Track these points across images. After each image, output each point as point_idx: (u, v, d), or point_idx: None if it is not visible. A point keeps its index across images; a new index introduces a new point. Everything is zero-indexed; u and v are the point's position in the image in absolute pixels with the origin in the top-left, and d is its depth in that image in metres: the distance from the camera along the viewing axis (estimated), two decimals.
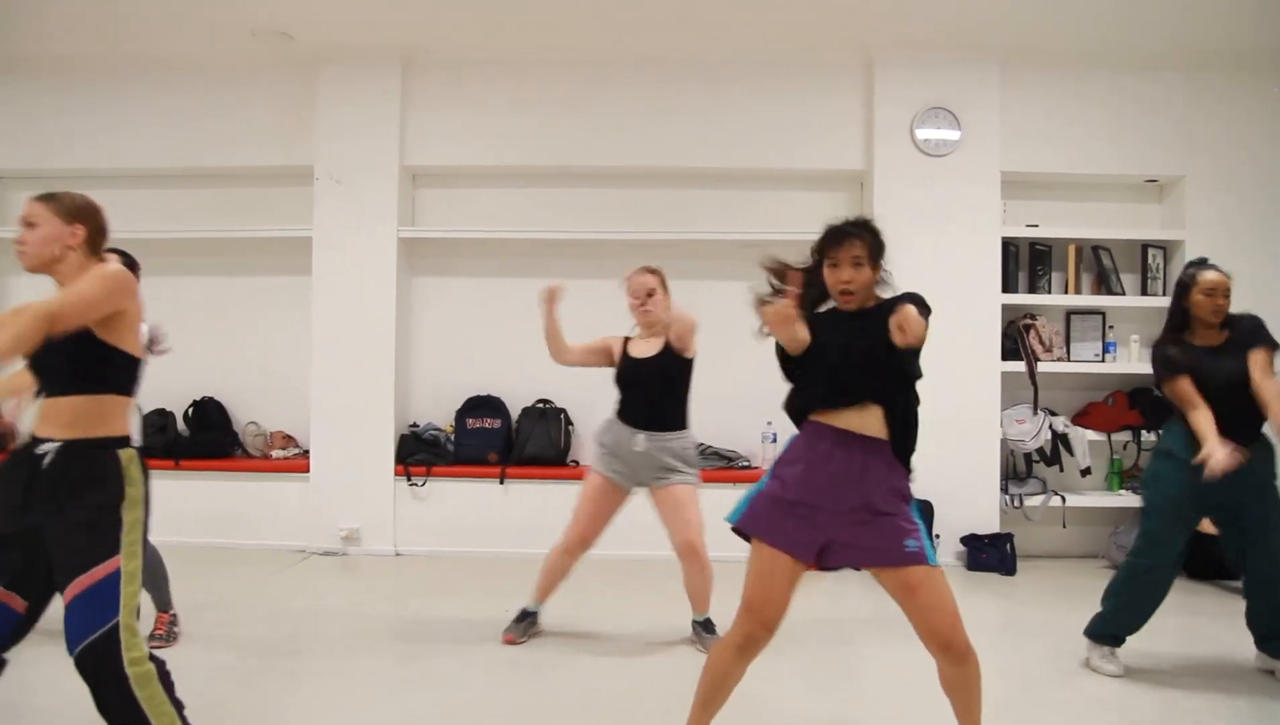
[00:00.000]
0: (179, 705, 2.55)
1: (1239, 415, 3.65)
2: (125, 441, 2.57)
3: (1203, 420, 3.61)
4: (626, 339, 4.49)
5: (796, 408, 2.87)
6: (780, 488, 2.74)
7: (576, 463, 6.34)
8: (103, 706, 2.46)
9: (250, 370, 6.66)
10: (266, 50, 6.21)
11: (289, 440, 6.56)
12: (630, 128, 6.34)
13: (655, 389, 4.31)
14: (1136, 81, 6.21)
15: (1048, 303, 6.29)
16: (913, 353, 2.73)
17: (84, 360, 2.52)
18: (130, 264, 4.06)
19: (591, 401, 6.50)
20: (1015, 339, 6.15)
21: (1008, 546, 5.87)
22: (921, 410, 6.28)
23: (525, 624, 4.35)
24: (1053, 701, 3.65)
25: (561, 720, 3.35)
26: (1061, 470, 6.19)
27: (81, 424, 2.51)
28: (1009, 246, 6.21)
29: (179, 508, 6.27)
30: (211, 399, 6.57)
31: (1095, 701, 3.62)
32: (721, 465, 6.22)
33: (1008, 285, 6.19)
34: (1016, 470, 6.28)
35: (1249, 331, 3.79)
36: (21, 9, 5.76)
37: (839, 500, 2.68)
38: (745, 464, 6.29)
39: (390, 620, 4.82)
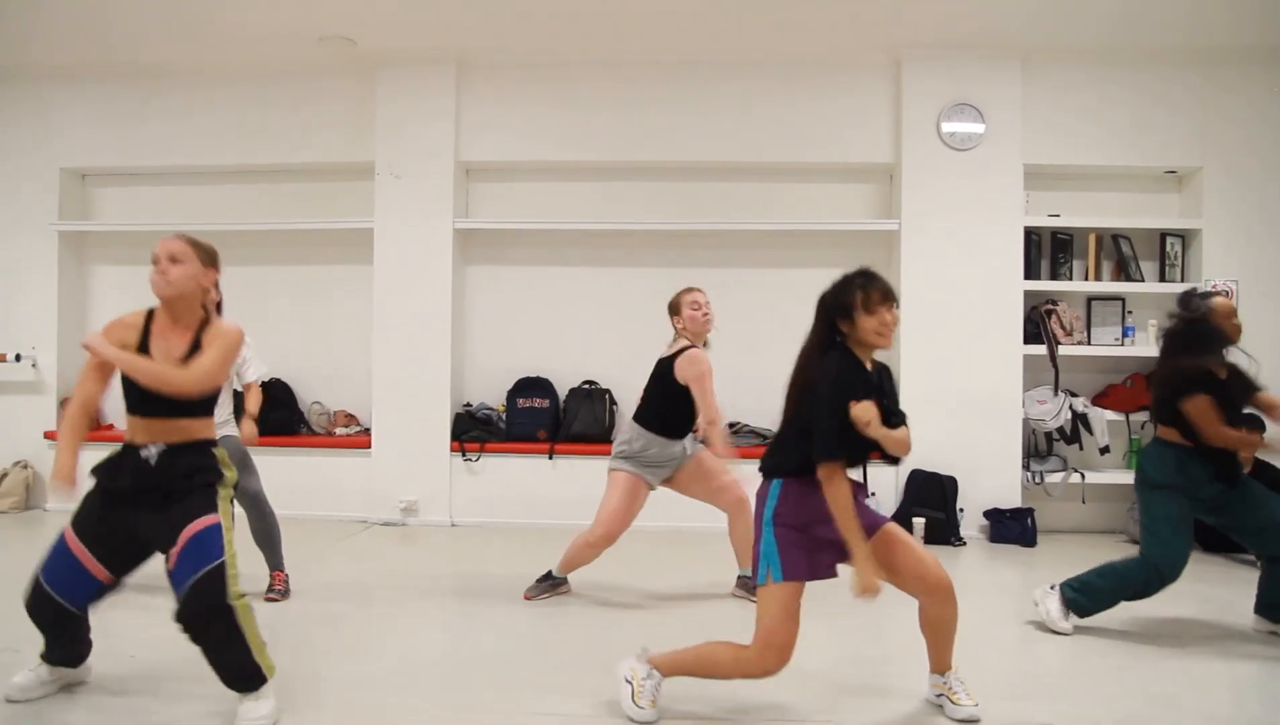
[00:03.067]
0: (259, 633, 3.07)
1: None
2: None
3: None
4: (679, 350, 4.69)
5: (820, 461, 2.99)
6: (803, 533, 2.98)
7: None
8: (209, 642, 2.98)
9: (315, 353, 7.08)
10: (331, 55, 6.62)
11: (351, 419, 6.99)
12: (671, 124, 6.68)
13: (688, 401, 4.57)
14: (1155, 77, 6.46)
15: (1069, 289, 6.57)
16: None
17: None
18: (213, 257, 4.52)
19: (635, 383, 6.89)
20: (1037, 324, 6.43)
21: (1029, 520, 6.17)
22: (947, 392, 6.69)
23: (546, 585, 4.69)
24: (1068, 663, 3.97)
25: (591, 662, 3.73)
26: (1081, 449, 6.47)
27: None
28: (1031, 235, 6.49)
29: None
30: (279, 380, 7.00)
31: (1115, 667, 3.84)
32: (758, 442, 6.56)
33: (1030, 272, 6.48)
34: (1038, 448, 6.57)
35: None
36: (113, 20, 6.20)
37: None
38: None
39: (446, 579, 5.23)
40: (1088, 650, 3.96)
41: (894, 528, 3.10)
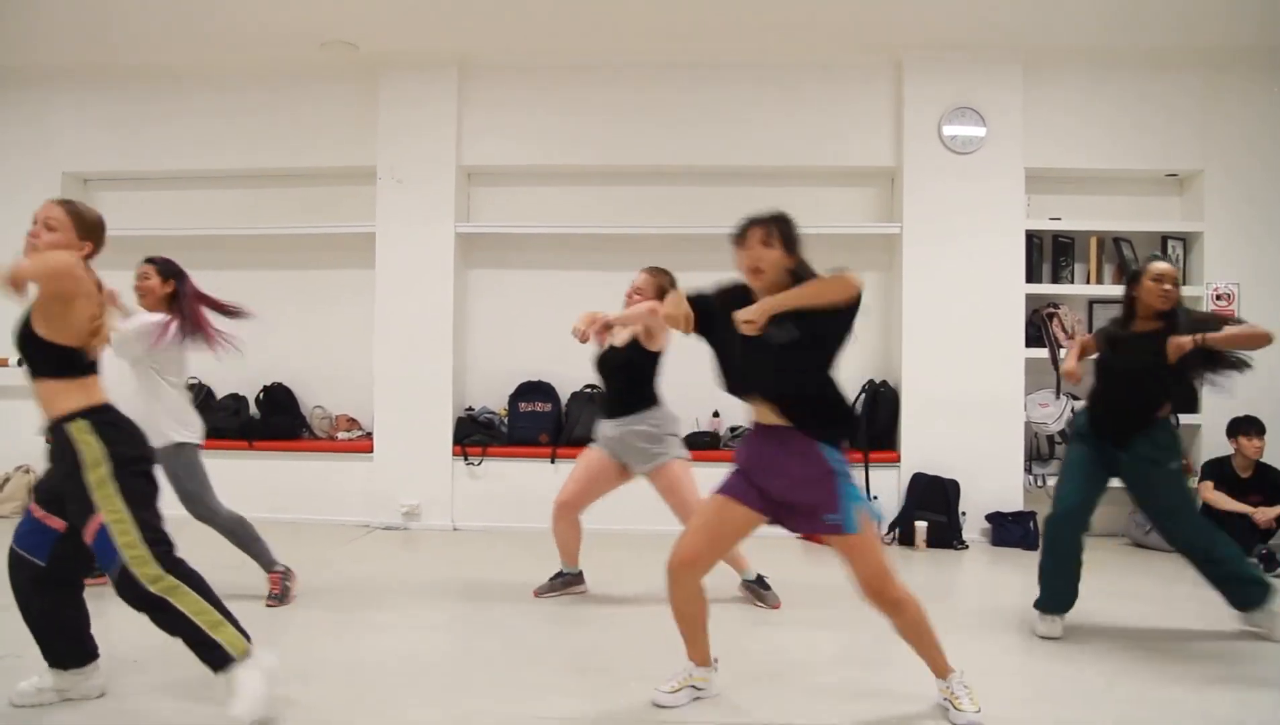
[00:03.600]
0: (219, 605, 3.01)
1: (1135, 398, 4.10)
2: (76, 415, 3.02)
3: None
4: None
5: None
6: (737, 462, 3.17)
7: None
8: (159, 626, 2.98)
9: (317, 357, 7.09)
10: (333, 60, 6.64)
11: (353, 423, 7.00)
12: (672, 128, 6.69)
13: (620, 378, 4.61)
14: (1155, 79, 6.47)
15: (1070, 292, 6.58)
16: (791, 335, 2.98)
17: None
18: (174, 272, 4.61)
19: None
20: (1039, 327, 6.45)
21: (1031, 524, 6.17)
22: (949, 395, 6.60)
23: (558, 583, 4.73)
24: (1069, 667, 3.97)
25: (596, 660, 3.73)
26: None
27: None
28: (1033, 239, 6.51)
29: (252, 485, 6.73)
30: (281, 384, 7.02)
31: (1119, 671, 3.86)
32: None
33: (1031, 276, 6.49)
34: (1040, 451, 6.58)
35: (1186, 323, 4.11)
36: (115, 23, 6.22)
37: (767, 481, 3.06)
38: None
39: (447, 583, 5.23)
40: (1091, 654, 3.95)
41: (841, 542, 3.02)
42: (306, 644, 3.98)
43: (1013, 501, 6.33)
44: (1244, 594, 4.12)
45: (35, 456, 6.81)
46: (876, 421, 6.49)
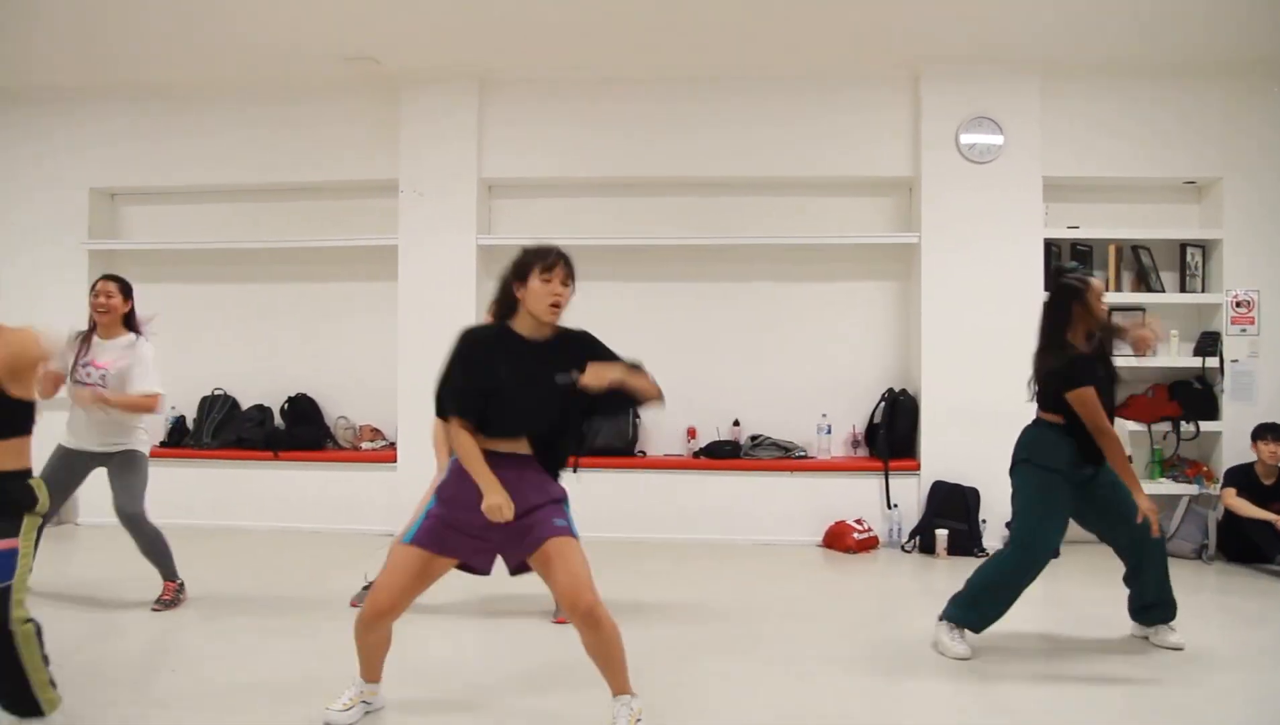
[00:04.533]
0: (46, 661, 2.98)
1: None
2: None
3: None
4: None
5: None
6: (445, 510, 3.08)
7: (644, 453, 6.77)
8: None
9: (341, 368, 7.18)
10: (354, 74, 6.73)
11: (377, 433, 7.07)
12: (691, 140, 6.75)
13: None
14: (1173, 88, 6.49)
15: None
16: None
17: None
18: (130, 290, 4.72)
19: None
20: None
21: None
22: (968, 404, 6.59)
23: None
24: (1091, 673, 3.99)
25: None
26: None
27: None
28: (1051, 247, 6.52)
29: (277, 495, 6.86)
30: (305, 395, 7.11)
31: (1147, 679, 3.93)
32: (779, 455, 6.60)
33: (1049, 285, 6.48)
34: None
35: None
36: (142, 40, 6.32)
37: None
38: (802, 454, 6.67)
39: (467, 592, 5.26)
40: (1113, 664, 3.98)
41: (557, 544, 3.01)
42: (336, 652, 4.04)
43: None
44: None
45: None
46: (896, 430, 6.52)
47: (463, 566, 3.10)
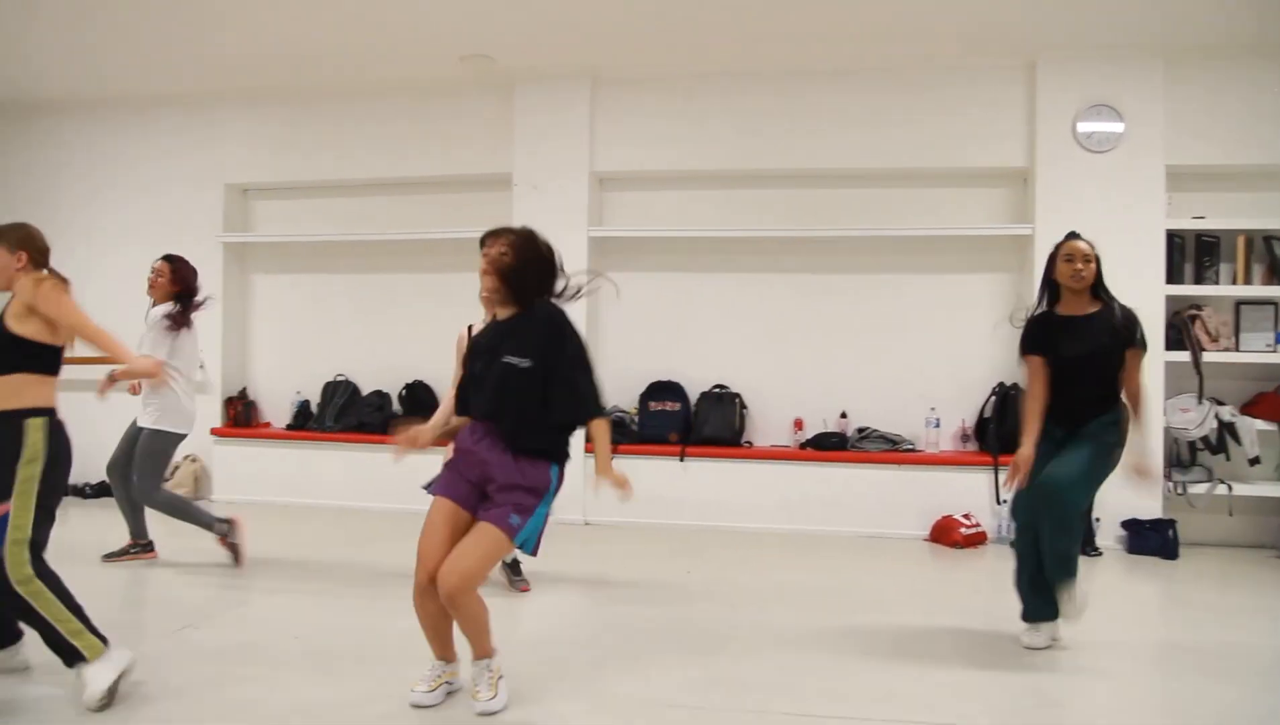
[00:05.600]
0: (78, 612, 3.16)
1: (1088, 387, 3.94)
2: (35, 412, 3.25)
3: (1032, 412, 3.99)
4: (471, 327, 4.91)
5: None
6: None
7: (750, 443, 6.82)
8: (16, 617, 3.21)
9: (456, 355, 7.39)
10: (470, 72, 6.93)
11: None
12: (798, 132, 6.75)
13: None
14: None
15: (1215, 294, 6.35)
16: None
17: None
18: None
19: (765, 386, 7.03)
20: (1180, 330, 6.25)
21: (1170, 532, 6.00)
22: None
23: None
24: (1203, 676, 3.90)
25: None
26: (1228, 459, 6.23)
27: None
28: (1174, 238, 6.31)
29: (394, 478, 7.08)
30: (422, 382, 7.36)
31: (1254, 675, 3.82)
32: (886, 448, 6.56)
33: (1172, 277, 6.30)
34: (1180, 458, 6.37)
35: (1127, 323, 3.95)
36: (275, 46, 6.65)
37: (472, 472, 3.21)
38: (909, 447, 6.61)
39: (575, 574, 5.41)
40: (1236, 668, 3.88)
41: (481, 526, 3.12)
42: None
43: (1150, 508, 6.16)
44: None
45: (200, 448, 7.36)
46: (1006, 425, 6.40)
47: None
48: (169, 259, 5.24)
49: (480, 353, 3.27)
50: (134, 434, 5.18)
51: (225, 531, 5.19)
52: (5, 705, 3.21)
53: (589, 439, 3.29)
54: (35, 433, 3.21)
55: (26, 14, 6.13)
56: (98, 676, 3.14)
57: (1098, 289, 4.03)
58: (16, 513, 3.13)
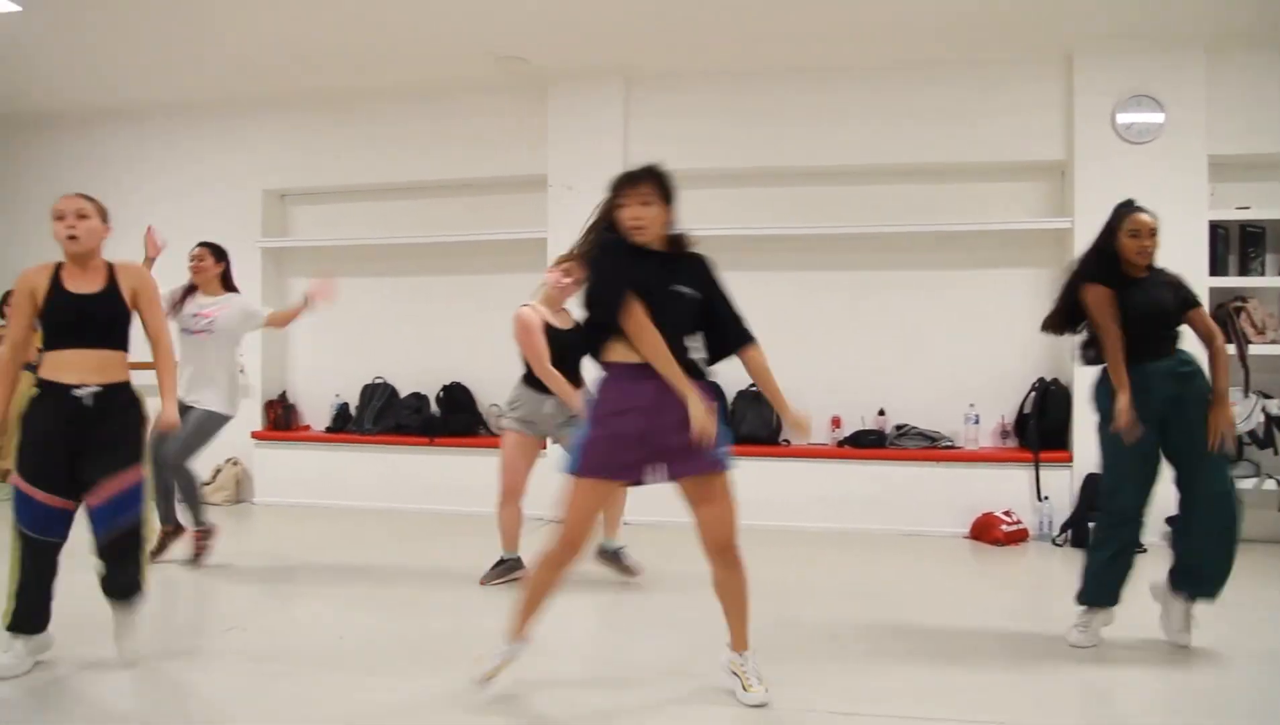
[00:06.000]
0: None
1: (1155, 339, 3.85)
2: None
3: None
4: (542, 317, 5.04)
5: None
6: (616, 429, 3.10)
7: (788, 442, 6.79)
8: (117, 574, 3.47)
9: (493, 358, 7.38)
10: (503, 73, 6.95)
11: None
12: (834, 129, 6.72)
13: (575, 356, 4.74)
14: None
15: (1261, 285, 6.25)
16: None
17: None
18: (225, 255, 5.42)
19: (802, 385, 6.96)
20: (1224, 322, 6.15)
21: None
22: None
23: (501, 570, 4.97)
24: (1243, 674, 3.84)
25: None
26: (1276, 453, 6.13)
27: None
28: (1217, 230, 6.21)
29: (434, 479, 7.18)
30: (460, 384, 7.41)
31: None
32: (925, 445, 6.52)
33: (1216, 269, 6.20)
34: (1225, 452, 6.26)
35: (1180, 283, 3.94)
36: (307, 51, 6.71)
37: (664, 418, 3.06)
38: (948, 444, 6.56)
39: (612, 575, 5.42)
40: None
41: (720, 480, 3.14)
42: (491, 628, 4.24)
43: None
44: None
45: (240, 451, 7.44)
46: (1047, 421, 6.35)
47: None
48: (206, 245, 5.39)
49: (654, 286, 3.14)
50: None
51: (208, 529, 5.28)
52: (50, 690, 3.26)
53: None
54: (145, 401, 3.54)
55: (73, 29, 6.24)
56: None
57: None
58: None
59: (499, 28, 6.27)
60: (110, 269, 3.54)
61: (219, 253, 5.38)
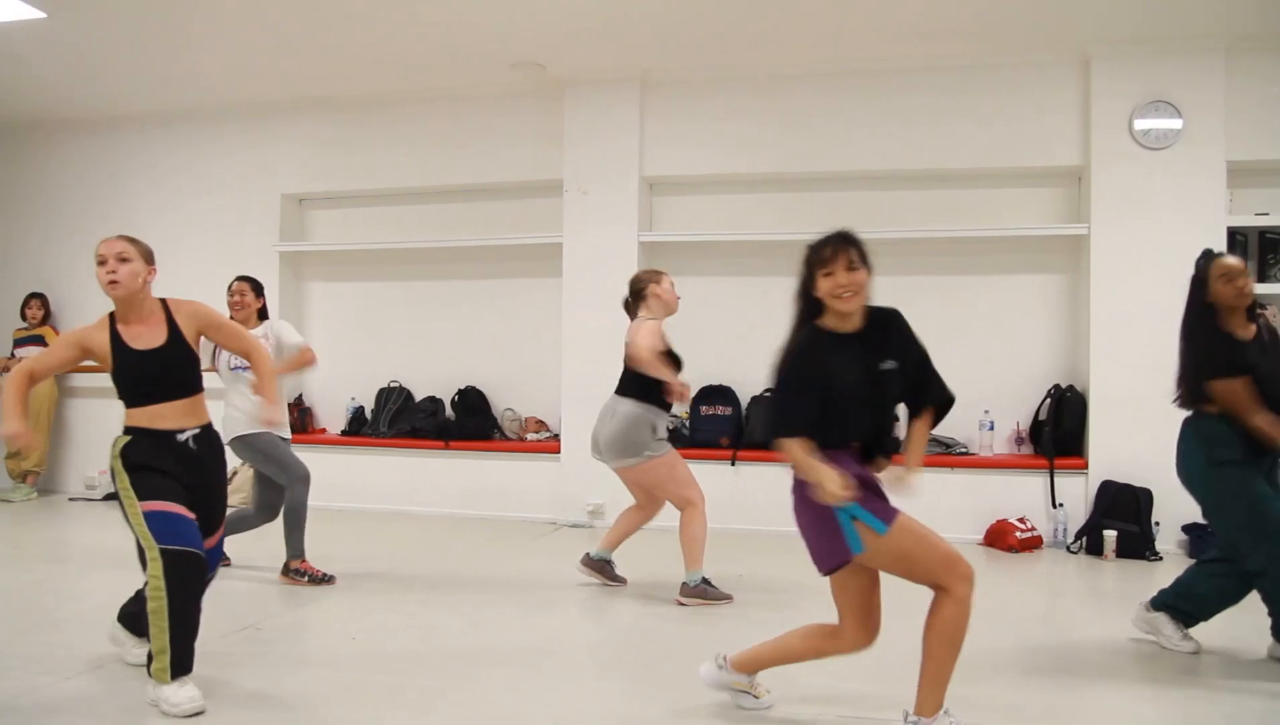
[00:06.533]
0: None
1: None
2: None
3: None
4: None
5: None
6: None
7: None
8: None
9: (508, 362, 7.48)
10: (520, 79, 6.99)
11: (541, 424, 7.34)
12: (849, 134, 6.71)
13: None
14: None
15: None
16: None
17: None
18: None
19: None
20: None
21: None
22: (1142, 400, 6.29)
23: (699, 589, 4.79)
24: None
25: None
26: None
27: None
28: (1236, 236, 6.18)
29: (448, 483, 7.21)
30: (474, 388, 7.43)
31: None
32: (940, 451, 6.50)
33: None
34: None
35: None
36: (325, 56, 6.76)
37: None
38: (964, 450, 6.54)
39: (633, 578, 5.42)
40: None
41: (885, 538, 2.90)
42: (503, 630, 4.26)
43: None
44: None
45: None
46: (1062, 427, 6.32)
47: None
48: (246, 280, 5.31)
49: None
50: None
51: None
52: (65, 702, 3.29)
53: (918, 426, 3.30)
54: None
55: (95, 36, 6.31)
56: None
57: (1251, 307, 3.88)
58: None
59: (515, 34, 6.29)
60: (167, 313, 3.41)
61: (258, 288, 5.33)
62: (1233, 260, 3.90)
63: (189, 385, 3.38)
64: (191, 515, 3.23)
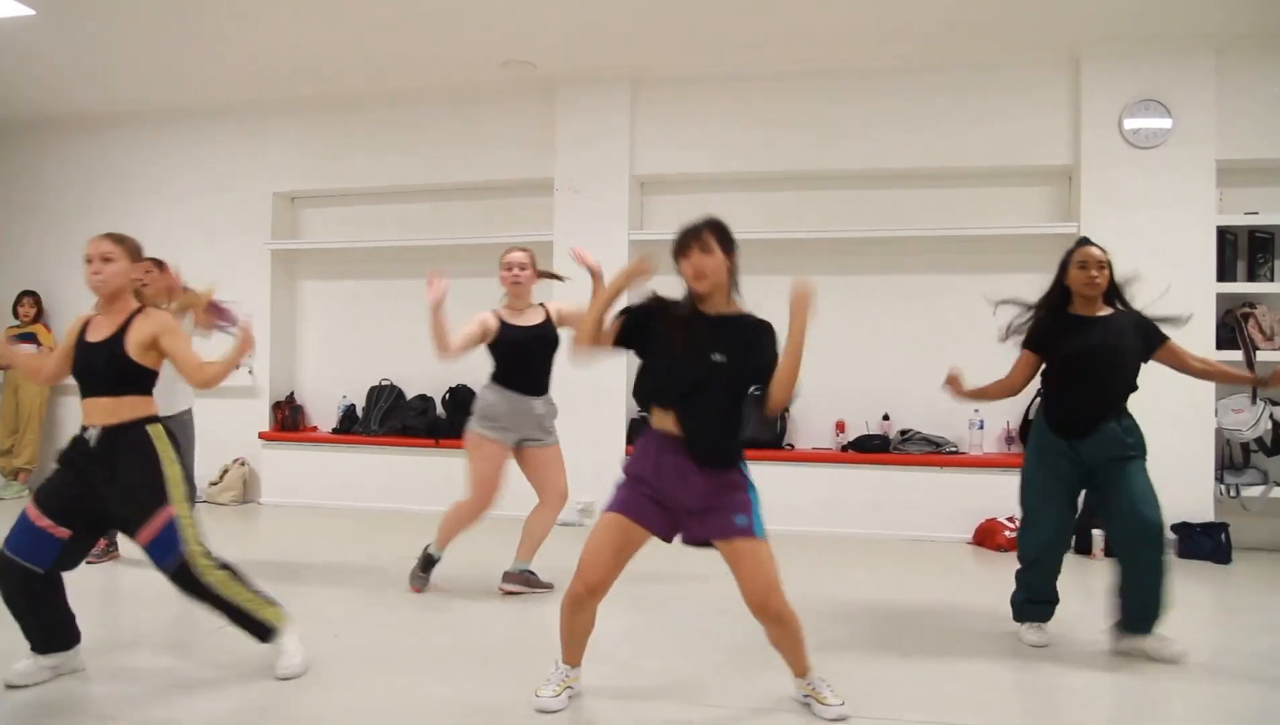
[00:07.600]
0: (256, 588, 3.43)
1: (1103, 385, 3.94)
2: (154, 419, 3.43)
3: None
4: (497, 312, 5.02)
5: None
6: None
7: (792, 446, 6.79)
8: (208, 607, 3.37)
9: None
10: (512, 78, 7.00)
11: None
12: (841, 133, 6.72)
13: (542, 355, 4.91)
14: None
15: (1270, 291, 6.22)
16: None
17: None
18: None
19: (803, 389, 6.95)
20: (1233, 328, 6.12)
21: (1222, 536, 5.87)
22: (1132, 399, 6.29)
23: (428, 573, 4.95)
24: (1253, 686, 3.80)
25: None
26: None
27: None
28: (1225, 235, 6.18)
29: (437, 480, 7.18)
30: (465, 386, 7.41)
31: None
32: (929, 450, 6.50)
33: (1224, 274, 6.17)
34: (1233, 460, 6.24)
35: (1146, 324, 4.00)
36: (321, 55, 6.78)
37: (680, 490, 3.13)
38: (953, 449, 6.54)
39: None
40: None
41: (747, 545, 3.07)
42: (488, 629, 4.26)
43: (1202, 512, 6.03)
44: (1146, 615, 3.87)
45: (248, 452, 7.49)
46: None
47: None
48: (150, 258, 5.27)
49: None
50: None
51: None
52: (65, 704, 3.29)
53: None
54: (161, 438, 3.39)
55: (85, 34, 6.31)
56: (291, 647, 3.47)
57: (1111, 295, 4.03)
58: (181, 514, 3.33)
59: (507, 33, 6.31)
60: (132, 316, 3.41)
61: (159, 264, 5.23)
62: (1095, 251, 4.02)
63: (109, 385, 3.35)
64: (56, 529, 3.28)
